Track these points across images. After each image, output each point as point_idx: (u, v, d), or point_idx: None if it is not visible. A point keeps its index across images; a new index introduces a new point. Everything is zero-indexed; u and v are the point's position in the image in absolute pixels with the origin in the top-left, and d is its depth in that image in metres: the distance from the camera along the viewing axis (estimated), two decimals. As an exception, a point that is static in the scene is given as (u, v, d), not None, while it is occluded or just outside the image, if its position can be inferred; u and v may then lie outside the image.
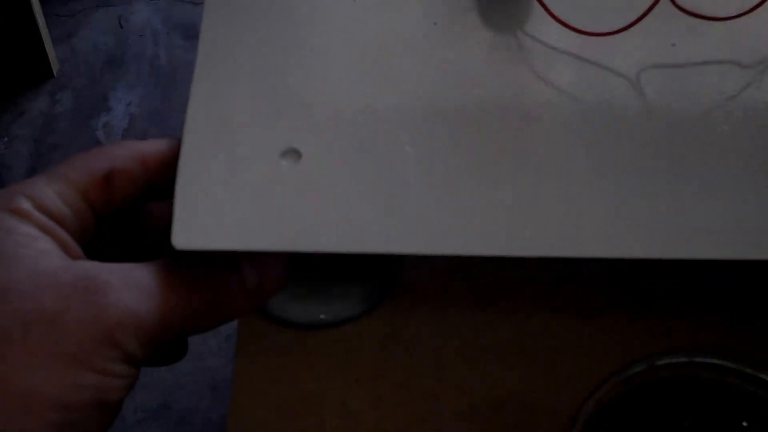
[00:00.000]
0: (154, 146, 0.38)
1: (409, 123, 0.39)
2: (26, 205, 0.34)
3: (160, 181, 0.38)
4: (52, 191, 0.35)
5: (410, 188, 0.37)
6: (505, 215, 0.37)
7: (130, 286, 0.33)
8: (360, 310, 0.43)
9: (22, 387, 0.30)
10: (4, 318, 0.31)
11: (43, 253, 0.33)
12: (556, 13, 0.41)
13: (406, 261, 0.45)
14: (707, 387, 0.39)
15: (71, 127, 1.60)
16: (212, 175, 0.37)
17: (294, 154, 0.38)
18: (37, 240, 0.33)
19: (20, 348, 0.31)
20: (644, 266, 0.46)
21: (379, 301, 0.43)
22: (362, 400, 0.41)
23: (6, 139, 1.57)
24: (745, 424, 0.39)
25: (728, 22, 0.42)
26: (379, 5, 0.42)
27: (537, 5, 0.42)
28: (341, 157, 0.38)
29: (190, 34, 1.79)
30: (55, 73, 1.67)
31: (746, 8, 0.42)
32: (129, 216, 0.40)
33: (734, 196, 0.37)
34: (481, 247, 0.36)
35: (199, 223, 0.35)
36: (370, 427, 0.40)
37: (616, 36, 0.41)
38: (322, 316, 0.42)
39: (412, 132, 0.39)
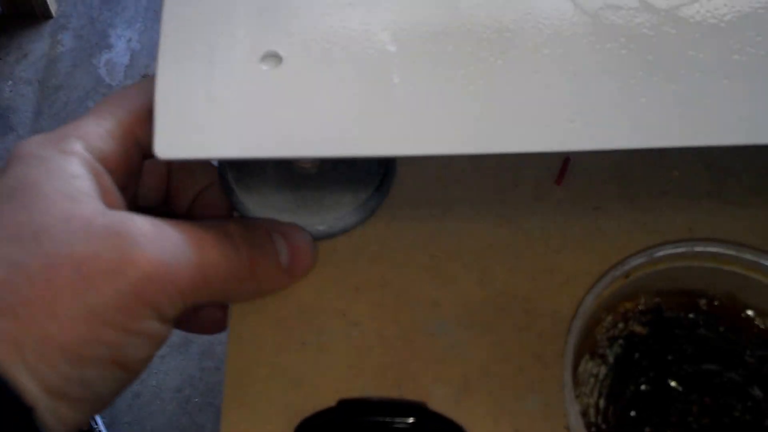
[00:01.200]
0: None
1: (390, 22, 0.38)
2: (77, 146, 0.34)
3: None
4: (103, 130, 0.35)
5: (395, 88, 0.36)
6: (496, 111, 0.36)
7: (166, 237, 0.33)
8: (355, 220, 0.42)
9: (40, 333, 0.30)
10: (33, 259, 0.30)
11: (81, 195, 0.32)
12: None
13: (398, 167, 0.44)
14: (708, 276, 0.38)
15: (74, 66, 1.59)
16: (190, 82, 0.36)
17: (274, 57, 0.37)
18: (78, 179, 0.33)
19: (44, 293, 0.30)
20: (641, 159, 0.45)
21: (374, 209, 0.43)
22: (362, 310, 0.40)
23: (11, 82, 1.56)
24: (750, 313, 0.39)
25: None
26: None
27: None
28: (323, 59, 0.37)
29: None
30: (54, 13, 1.65)
31: None
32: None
33: (735, 83, 0.36)
34: (471, 145, 0.35)
35: (180, 132, 0.35)
36: (371, 336, 0.40)
37: None
38: (317, 228, 0.41)
39: (395, 31, 0.37)
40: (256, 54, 0.37)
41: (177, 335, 1.28)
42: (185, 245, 0.33)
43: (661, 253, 0.37)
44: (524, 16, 0.38)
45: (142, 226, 0.32)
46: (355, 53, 0.37)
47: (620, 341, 0.38)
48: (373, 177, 0.42)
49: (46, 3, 1.62)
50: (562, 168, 0.45)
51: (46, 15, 1.64)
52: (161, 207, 0.42)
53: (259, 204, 0.41)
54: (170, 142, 0.34)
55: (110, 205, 0.33)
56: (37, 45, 1.61)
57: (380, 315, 0.40)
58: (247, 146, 0.34)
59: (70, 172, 0.33)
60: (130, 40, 1.63)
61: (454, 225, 0.43)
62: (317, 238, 0.41)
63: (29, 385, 0.30)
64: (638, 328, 0.38)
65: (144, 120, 0.36)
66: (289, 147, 0.35)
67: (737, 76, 0.36)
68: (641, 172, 0.45)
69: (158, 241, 0.32)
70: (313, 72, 0.36)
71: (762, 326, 0.38)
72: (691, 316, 0.39)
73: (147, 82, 0.37)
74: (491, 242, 0.42)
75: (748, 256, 0.37)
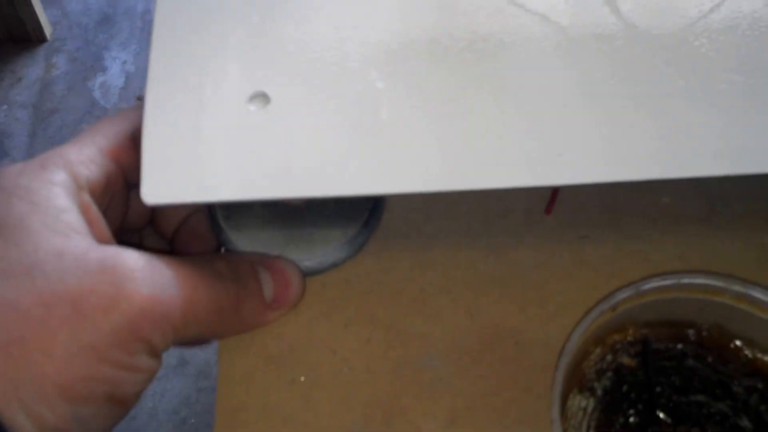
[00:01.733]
0: None
1: (378, 58, 0.38)
2: (61, 175, 0.33)
3: None
4: (86, 158, 0.35)
5: (384, 125, 0.36)
6: (484, 146, 0.36)
7: (157, 272, 0.33)
8: (344, 255, 0.42)
9: (37, 373, 0.30)
10: (27, 297, 0.30)
11: (70, 230, 0.32)
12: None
13: (386, 201, 0.44)
14: (697, 307, 0.38)
15: (68, 90, 1.59)
16: (179, 125, 0.36)
17: (262, 97, 0.37)
18: (66, 213, 0.32)
19: (39, 331, 0.30)
20: (631, 186, 0.45)
21: (363, 244, 0.43)
22: (351, 346, 0.41)
23: (5, 106, 1.57)
24: (738, 343, 0.39)
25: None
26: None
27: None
28: (311, 97, 0.37)
29: (181, -14, 1.77)
30: (48, 36, 1.65)
31: None
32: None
33: (719, 111, 0.36)
34: (460, 182, 0.35)
35: (168, 176, 0.35)
36: (360, 372, 0.40)
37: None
38: (306, 264, 0.41)
39: (383, 67, 0.38)
40: (245, 94, 0.37)
41: (173, 356, 1.28)
42: (176, 281, 0.33)
43: (648, 286, 0.38)
44: (512, 50, 0.38)
45: (136, 260, 0.32)
46: (343, 91, 0.37)
47: (609, 374, 0.38)
48: (361, 211, 0.43)
49: (40, 26, 1.63)
50: (551, 197, 0.45)
51: (41, 38, 1.65)
52: (147, 230, 0.42)
53: (248, 241, 0.41)
54: (158, 187, 0.34)
55: (97, 236, 0.33)
56: (32, 69, 1.62)
57: (369, 351, 0.40)
58: (236, 189, 0.35)
59: (57, 205, 0.32)
60: (125, 62, 1.63)
61: (443, 256, 0.43)
62: (307, 274, 0.42)
63: (26, 426, 0.29)
64: (627, 360, 0.38)
65: (127, 147, 0.36)
66: (278, 188, 0.35)
67: (724, 105, 0.36)
68: (631, 199, 0.45)
69: (151, 276, 0.32)
70: (302, 111, 0.37)
71: (750, 356, 0.38)
72: (679, 347, 0.39)
73: (131, 109, 0.37)
74: (480, 273, 0.43)
75: (737, 288, 0.37)
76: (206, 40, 0.38)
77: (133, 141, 0.36)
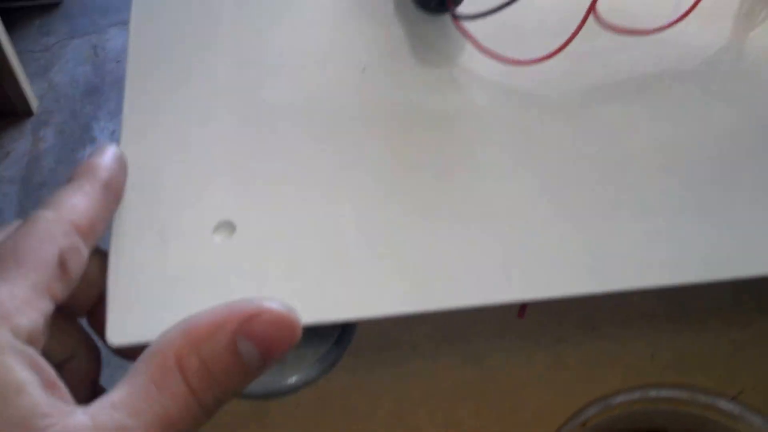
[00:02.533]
0: (79, 208, 0.32)
1: (344, 179, 0.38)
2: (4, 335, 0.26)
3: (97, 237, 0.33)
4: (20, 302, 0.28)
5: (351, 249, 0.37)
6: (450, 265, 0.36)
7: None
8: (317, 373, 0.42)
9: None
10: None
11: (37, 419, 0.25)
12: (486, 45, 0.40)
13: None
14: (666, 417, 0.39)
15: (57, 162, 1.60)
16: (143, 261, 0.36)
17: (227, 226, 0.37)
18: (25, 394, 0.26)
19: None
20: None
21: (336, 360, 0.43)
22: (327, 466, 0.41)
23: (-7, 182, 1.58)
24: (710, 451, 0.39)
25: (658, 34, 0.41)
26: (305, 64, 0.42)
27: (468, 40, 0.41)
28: (276, 224, 0.37)
29: (166, 54, 1.79)
30: (35, 110, 1.67)
31: (674, 18, 0.41)
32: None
33: (684, 219, 0.37)
34: (429, 302, 0.36)
35: (134, 314, 0.35)
36: (337, 493, 0.40)
37: (549, 61, 0.40)
38: (278, 385, 0.42)
39: (349, 188, 0.38)
40: (209, 225, 0.37)
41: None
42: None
43: (617, 401, 0.38)
44: (474, 162, 0.39)
45: None
46: (307, 213, 0.37)
47: (582, 490, 0.38)
48: (333, 328, 0.43)
49: (26, 100, 1.64)
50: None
51: (27, 112, 1.66)
52: None
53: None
54: (124, 328, 0.34)
55: (57, 396, 0.27)
56: (20, 143, 1.63)
57: (345, 471, 0.41)
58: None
59: (13, 384, 0.26)
60: (113, 132, 1.64)
61: (419, 367, 0.43)
62: (279, 394, 0.42)
63: None
64: (599, 475, 0.39)
65: (56, 274, 0.30)
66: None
67: (686, 213, 0.37)
68: (602, 297, 0.45)
69: None
70: (267, 238, 0.37)
71: (723, 464, 0.39)
72: (651, 459, 0.39)
73: (41, 224, 0.31)
74: (456, 383, 0.43)
75: (703, 399, 0.38)
76: (169, 173, 0.39)
77: (61, 266, 0.30)
